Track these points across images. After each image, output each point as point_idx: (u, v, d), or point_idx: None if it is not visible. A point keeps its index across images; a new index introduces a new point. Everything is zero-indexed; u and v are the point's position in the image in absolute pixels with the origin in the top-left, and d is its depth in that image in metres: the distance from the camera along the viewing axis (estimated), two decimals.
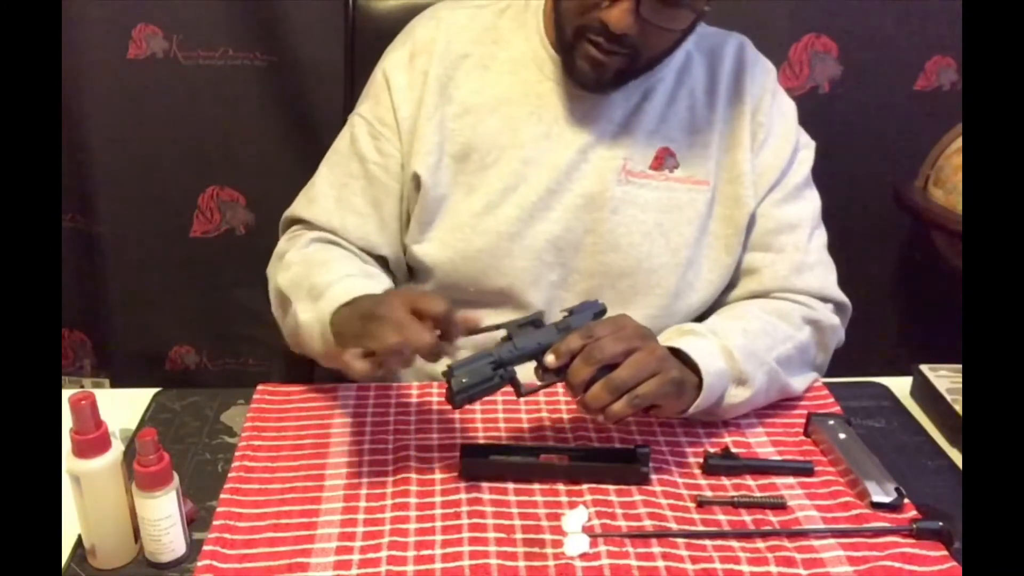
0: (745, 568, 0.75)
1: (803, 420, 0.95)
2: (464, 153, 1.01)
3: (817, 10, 1.75)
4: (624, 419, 0.81)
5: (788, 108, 1.07)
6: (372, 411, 0.96)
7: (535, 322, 0.84)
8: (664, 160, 1.02)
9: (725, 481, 0.87)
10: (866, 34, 1.76)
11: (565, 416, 0.96)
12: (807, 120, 1.08)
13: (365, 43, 1.20)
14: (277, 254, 1.04)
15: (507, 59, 1.03)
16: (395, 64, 1.04)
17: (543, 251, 1.01)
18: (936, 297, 1.70)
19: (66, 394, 0.72)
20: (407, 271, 1.09)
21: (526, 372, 0.83)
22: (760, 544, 0.78)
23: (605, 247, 1.01)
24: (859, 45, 1.77)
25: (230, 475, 0.85)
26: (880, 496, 0.82)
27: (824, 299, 1.03)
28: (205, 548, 0.76)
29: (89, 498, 0.73)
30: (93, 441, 0.72)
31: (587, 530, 0.79)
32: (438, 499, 0.83)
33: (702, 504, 0.83)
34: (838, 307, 1.05)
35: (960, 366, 1.02)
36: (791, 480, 0.87)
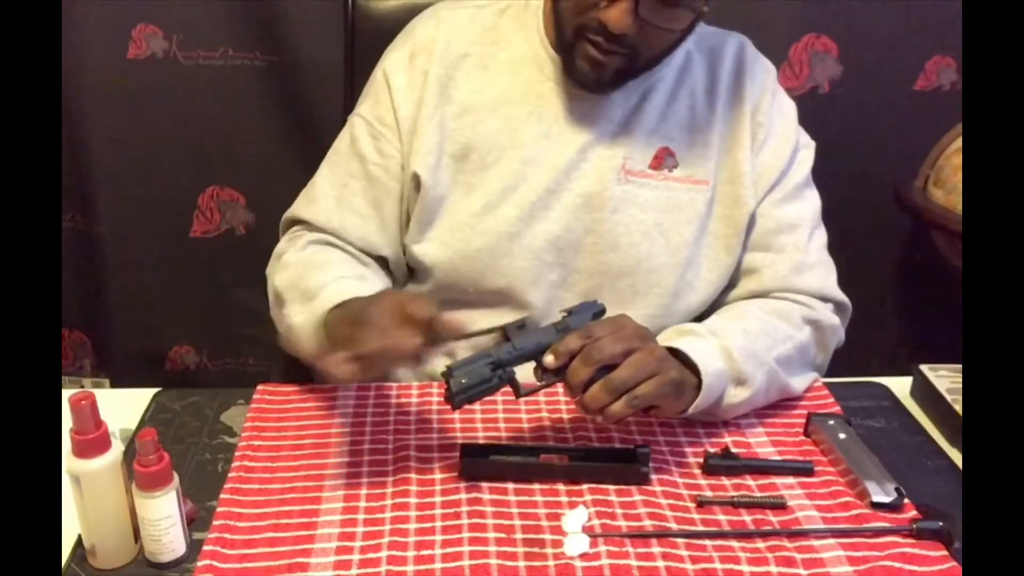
0: (745, 568, 0.75)
1: (803, 420, 0.95)
2: (464, 153, 1.02)
3: (817, 10, 1.75)
4: (623, 419, 0.81)
5: (788, 108, 1.07)
6: (372, 411, 0.96)
7: (524, 325, 0.84)
8: (664, 160, 1.02)
9: (725, 481, 0.87)
10: (866, 34, 1.76)
11: (565, 416, 0.96)
12: (807, 120, 1.08)
13: (365, 43, 1.20)
14: (276, 255, 1.05)
15: (507, 59, 1.03)
16: (395, 64, 1.04)
17: (543, 251, 1.01)
18: (936, 297, 1.70)
19: (66, 394, 0.72)
20: (407, 271, 1.09)
21: (525, 372, 0.83)
22: (760, 544, 0.78)
23: (605, 247, 1.01)
24: (859, 45, 1.77)
25: (230, 475, 0.85)
26: (880, 496, 0.82)
27: (824, 299, 1.03)
28: (205, 548, 0.76)
29: (89, 498, 0.73)
30: (93, 441, 0.72)
31: (587, 530, 0.79)
32: (438, 499, 0.83)
33: (702, 504, 0.83)
34: (838, 307, 1.05)
35: (960, 366, 1.02)
36: (791, 480, 0.87)
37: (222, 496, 0.82)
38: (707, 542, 0.78)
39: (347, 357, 0.75)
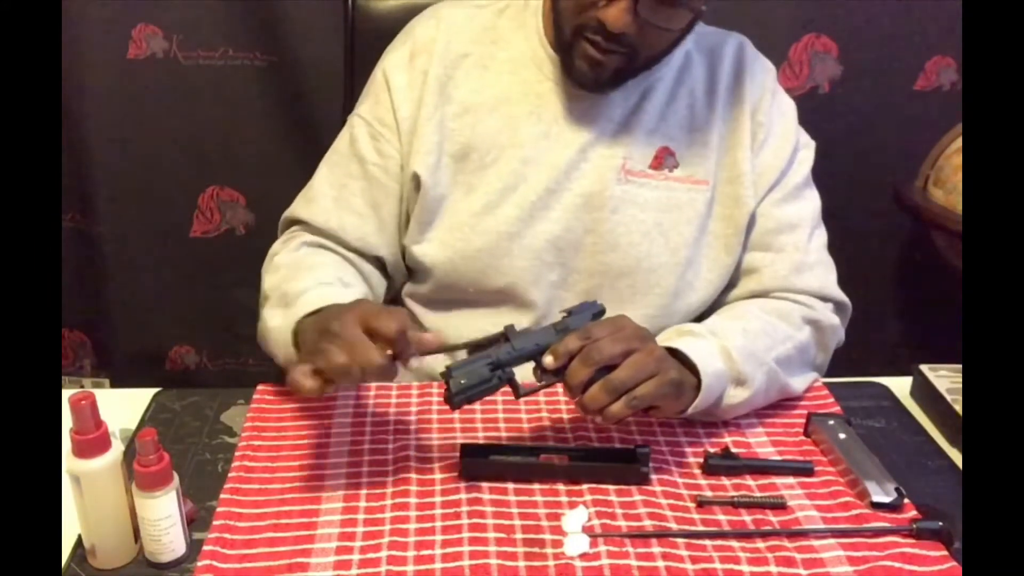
0: (745, 568, 0.75)
1: (803, 420, 0.95)
2: (463, 153, 1.01)
3: (817, 10, 1.75)
4: (623, 420, 0.81)
5: (788, 108, 1.07)
6: (372, 411, 0.96)
7: (506, 336, 0.83)
8: (664, 159, 1.02)
9: (725, 481, 0.87)
10: (866, 34, 1.76)
11: (565, 416, 0.96)
12: (807, 120, 1.08)
13: (365, 43, 1.20)
14: (270, 255, 1.05)
15: (506, 59, 1.03)
16: (395, 64, 1.04)
17: (543, 251, 1.01)
18: (936, 297, 1.70)
19: (66, 394, 0.72)
20: (406, 272, 1.09)
21: (525, 373, 0.83)
22: (760, 544, 0.78)
23: (605, 247, 1.01)
24: (859, 45, 1.77)
25: (230, 475, 0.85)
26: (880, 496, 0.82)
27: (824, 299, 1.03)
28: (205, 548, 0.76)
29: (89, 498, 0.73)
30: (93, 441, 0.72)
31: (587, 530, 0.79)
32: (438, 499, 0.83)
33: (702, 504, 0.83)
34: (838, 307, 1.05)
35: (960, 366, 1.02)
36: (791, 480, 0.87)
37: (222, 496, 0.82)
38: (707, 542, 0.78)
39: (312, 370, 0.75)
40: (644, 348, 0.82)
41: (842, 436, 0.90)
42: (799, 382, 0.99)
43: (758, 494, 0.85)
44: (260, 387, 1.00)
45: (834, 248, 1.07)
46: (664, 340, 0.89)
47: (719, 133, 1.03)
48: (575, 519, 0.80)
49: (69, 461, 0.72)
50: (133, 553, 0.77)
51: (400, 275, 1.09)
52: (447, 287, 1.04)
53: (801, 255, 1.03)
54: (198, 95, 1.76)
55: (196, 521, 0.80)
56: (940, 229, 1.68)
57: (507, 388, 0.82)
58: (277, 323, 0.90)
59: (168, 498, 0.73)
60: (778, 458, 0.90)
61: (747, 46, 1.07)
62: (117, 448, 0.74)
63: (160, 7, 1.70)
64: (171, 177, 1.82)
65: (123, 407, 0.97)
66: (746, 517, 0.82)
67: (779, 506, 0.83)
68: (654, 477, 0.86)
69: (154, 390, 1.01)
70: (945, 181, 1.66)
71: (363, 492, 0.84)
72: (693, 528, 0.80)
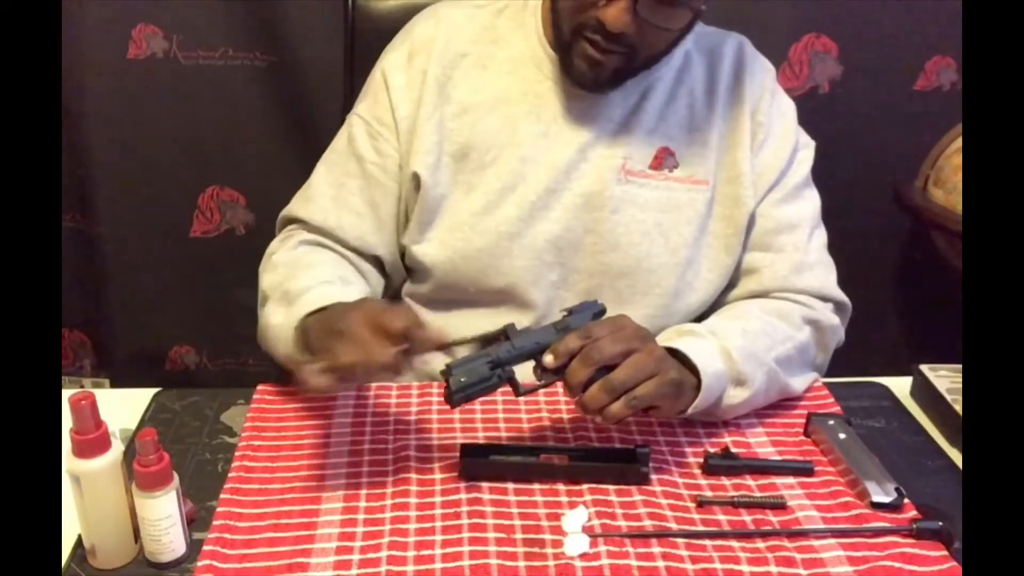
0: (745, 568, 0.75)
1: (803, 420, 0.95)
2: (463, 152, 1.01)
3: (817, 10, 1.75)
4: (622, 420, 0.81)
5: (787, 108, 1.07)
6: (372, 411, 0.96)
7: (506, 334, 0.83)
8: (664, 160, 1.02)
9: (725, 481, 0.87)
10: (866, 34, 1.76)
11: (565, 416, 0.96)
12: (807, 120, 1.08)
13: (365, 43, 1.20)
14: (267, 253, 1.05)
15: (506, 58, 1.03)
16: (394, 64, 1.04)
17: (543, 251, 1.01)
18: (936, 297, 1.70)
19: (66, 394, 0.72)
20: (405, 272, 1.09)
21: (525, 372, 0.83)
22: (760, 544, 0.78)
23: (605, 247, 1.01)
24: (859, 45, 1.77)
25: (230, 475, 0.85)
26: (880, 496, 0.82)
27: (824, 299, 1.03)
28: (205, 548, 0.76)
29: (89, 498, 0.73)
30: (93, 441, 0.72)
31: (587, 530, 0.79)
32: (438, 499, 0.83)
33: (702, 504, 0.83)
34: (838, 307, 1.05)
35: (960, 366, 1.02)
36: (791, 480, 0.87)
37: (222, 496, 0.82)
38: (707, 542, 0.78)
39: (322, 368, 0.75)
40: (644, 348, 0.82)
41: (842, 436, 0.90)
42: (799, 382, 0.99)
43: (758, 494, 0.85)
44: (260, 387, 1.00)
45: (834, 248, 1.07)
46: (664, 340, 0.89)
47: (719, 133, 1.03)
48: (575, 519, 0.80)
49: (69, 461, 0.72)
50: (133, 553, 0.77)
51: (398, 274, 1.09)
52: (447, 287, 1.04)
53: (801, 255, 1.03)
54: (198, 95, 1.76)
55: (196, 521, 0.80)
56: (940, 229, 1.69)
57: (507, 387, 0.82)
58: (279, 321, 0.90)
59: (168, 498, 0.73)
60: (778, 458, 0.90)
61: (747, 46, 1.07)
62: (117, 448, 0.74)
63: (160, 7, 1.70)
64: (171, 177, 1.82)
65: (123, 407, 0.97)
66: (746, 517, 0.82)
67: (779, 506, 0.83)
68: (654, 477, 0.86)
69: (154, 390, 1.01)
70: (945, 181, 1.66)
71: (363, 492, 0.84)
72: (693, 528, 0.80)
